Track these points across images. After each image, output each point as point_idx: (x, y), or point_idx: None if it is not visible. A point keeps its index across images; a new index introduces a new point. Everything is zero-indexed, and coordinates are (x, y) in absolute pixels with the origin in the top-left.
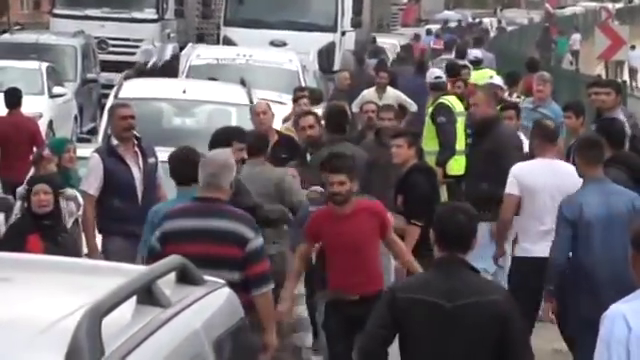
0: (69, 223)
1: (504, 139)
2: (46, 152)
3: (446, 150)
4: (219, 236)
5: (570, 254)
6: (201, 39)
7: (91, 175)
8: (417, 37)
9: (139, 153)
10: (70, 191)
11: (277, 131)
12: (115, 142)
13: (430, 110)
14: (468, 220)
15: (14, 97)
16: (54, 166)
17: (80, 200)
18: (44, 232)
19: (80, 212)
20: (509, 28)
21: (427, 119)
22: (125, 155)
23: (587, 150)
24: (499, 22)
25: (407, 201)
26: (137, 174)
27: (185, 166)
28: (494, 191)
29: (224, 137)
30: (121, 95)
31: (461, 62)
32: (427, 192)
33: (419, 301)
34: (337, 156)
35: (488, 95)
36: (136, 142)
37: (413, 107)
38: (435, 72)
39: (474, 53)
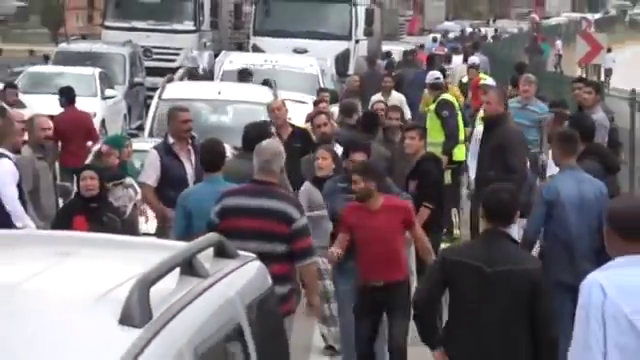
0: (129, 207)
1: (511, 134)
2: (105, 147)
3: (451, 140)
4: (269, 214)
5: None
6: (233, 47)
7: (150, 168)
8: (422, 47)
9: (192, 151)
10: (129, 180)
11: (291, 124)
12: (171, 140)
13: (433, 107)
14: (510, 198)
15: (69, 95)
16: (115, 159)
17: (137, 187)
18: (90, 213)
19: (138, 197)
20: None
21: (431, 115)
22: (180, 153)
23: (564, 143)
24: (495, 31)
25: (420, 186)
26: (189, 169)
27: (212, 155)
28: (500, 178)
29: (256, 131)
30: (164, 97)
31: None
32: (438, 178)
33: (464, 264)
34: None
35: (499, 95)
36: (190, 141)
37: (407, 114)
38: (435, 74)
39: (472, 59)
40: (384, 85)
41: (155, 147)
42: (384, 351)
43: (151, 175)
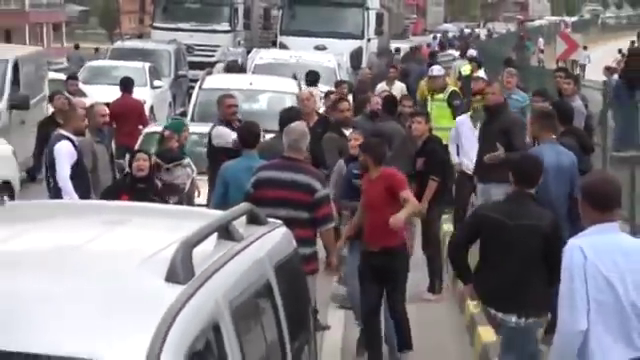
0: (187, 184)
1: (513, 119)
2: (167, 132)
3: None
4: (296, 186)
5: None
6: (263, 45)
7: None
8: (428, 45)
9: None
10: (186, 160)
11: (317, 112)
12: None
13: (444, 96)
14: (535, 164)
15: (127, 84)
16: (175, 142)
17: (193, 166)
18: (136, 193)
19: (194, 174)
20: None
21: (439, 103)
22: None
23: (543, 119)
24: (488, 31)
25: (427, 163)
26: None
27: (248, 135)
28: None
29: (288, 115)
30: (204, 87)
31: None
32: (443, 156)
33: (492, 218)
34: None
35: (500, 86)
36: (238, 124)
37: None
38: (435, 68)
39: (470, 52)
40: (389, 76)
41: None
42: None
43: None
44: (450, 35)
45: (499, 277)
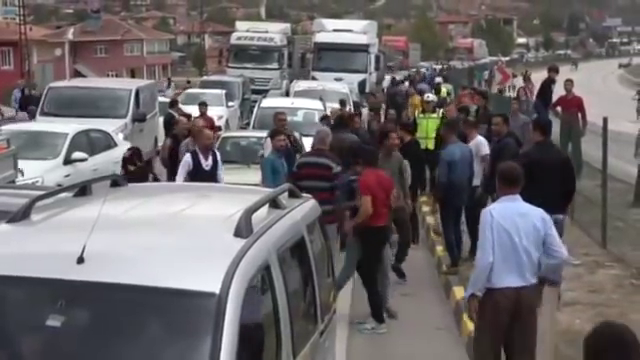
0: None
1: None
2: None
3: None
4: (321, 165)
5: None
6: (300, 77)
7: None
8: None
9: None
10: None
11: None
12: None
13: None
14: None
15: (203, 106)
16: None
17: None
18: None
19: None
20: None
21: (433, 120)
22: None
23: (450, 127)
24: (450, 67)
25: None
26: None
27: (273, 133)
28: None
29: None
30: (261, 106)
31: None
32: (419, 155)
33: (529, 158)
34: None
35: (503, 120)
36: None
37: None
38: (430, 96)
39: (437, 80)
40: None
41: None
42: (384, 283)
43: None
44: (423, 70)
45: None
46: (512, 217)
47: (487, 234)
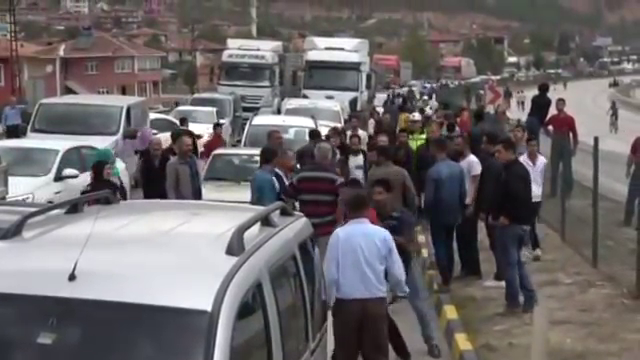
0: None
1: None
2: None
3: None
4: (324, 179)
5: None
6: (291, 95)
7: None
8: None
9: None
10: None
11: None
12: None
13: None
14: None
15: (219, 127)
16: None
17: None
18: None
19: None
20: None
21: (421, 140)
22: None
23: (438, 144)
24: (445, 84)
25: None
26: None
27: (266, 153)
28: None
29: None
30: (253, 123)
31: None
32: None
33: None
34: None
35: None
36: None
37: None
38: (415, 115)
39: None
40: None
41: None
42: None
43: None
44: (414, 88)
45: None
46: (357, 237)
47: (333, 253)
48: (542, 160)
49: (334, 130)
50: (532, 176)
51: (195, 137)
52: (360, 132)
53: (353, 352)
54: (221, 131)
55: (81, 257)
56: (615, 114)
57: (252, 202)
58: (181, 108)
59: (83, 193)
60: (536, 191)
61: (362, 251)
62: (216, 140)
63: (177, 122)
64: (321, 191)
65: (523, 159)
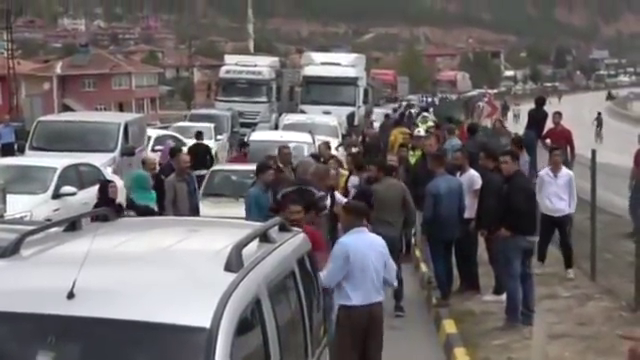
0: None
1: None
2: None
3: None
4: (304, 192)
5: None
6: (289, 111)
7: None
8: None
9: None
10: None
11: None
12: (281, 165)
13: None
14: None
15: (199, 135)
16: None
17: None
18: None
19: None
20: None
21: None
22: (285, 169)
23: (436, 159)
24: (445, 97)
25: None
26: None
27: (262, 167)
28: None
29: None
30: (250, 139)
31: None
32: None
33: None
34: None
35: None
36: (291, 165)
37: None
38: (420, 131)
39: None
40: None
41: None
42: None
43: None
44: (412, 102)
45: None
46: (366, 246)
47: (339, 263)
48: (566, 172)
49: (325, 145)
50: (552, 189)
51: (211, 151)
52: (355, 150)
53: (357, 358)
54: (247, 150)
55: (79, 275)
56: (600, 124)
57: (246, 218)
58: (179, 124)
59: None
60: (557, 205)
61: (371, 259)
62: (241, 159)
63: (181, 138)
64: (304, 200)
65: (545, 171)
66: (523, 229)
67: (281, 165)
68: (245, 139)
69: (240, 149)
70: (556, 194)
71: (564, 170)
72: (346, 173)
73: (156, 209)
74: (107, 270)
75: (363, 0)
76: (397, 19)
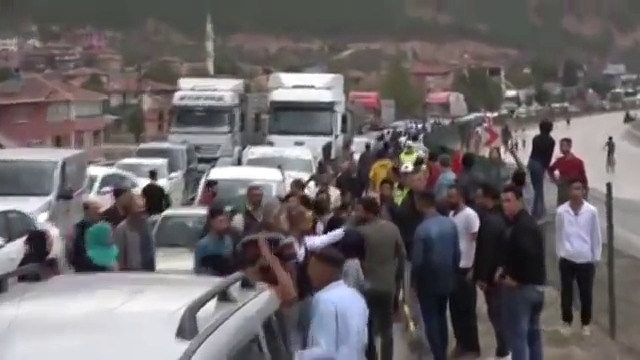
0: None
1: None
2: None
3: None
4: (269, 239)
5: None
6: (255, 142)
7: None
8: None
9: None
10: None
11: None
12: (250, 207)
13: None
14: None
15: (153, 175)
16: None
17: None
18: None
19: None
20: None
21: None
22: (254, 213)
23: (424, 198)
24: (438, 123)
25: None
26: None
27: (213, 212)
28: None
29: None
30: (210, 177)
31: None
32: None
33: None
34: None
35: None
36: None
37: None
38: (408, 167)
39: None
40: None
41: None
42: None
43: None
44: (398, 130)
45: None
46: (350, 304)
47: (332, 326)
48: (589, 209)
49: (297, 184)
50: (573, 229)
51: (166, 195)
52: (332, 189)
53: None
54: (216, 190)
55: (3, 348)
56: (611, 150)
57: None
58: (126, 161)
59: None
60: (579, 247)
61: (355, 320)
62: (209, 200)
63: (130, 177)
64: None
65: (564, 208)
66: (532, 277)
67: (250, 208)
68: (203, 177)
69: (208, 188)
70: (578, 235)
71: (586, 206)
72: (310, 215)
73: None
74: (37, 341)
75: (340, 11)
76: (380, 32)
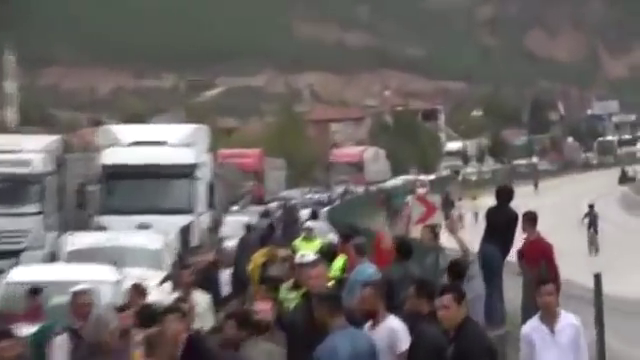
0: None
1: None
2: None
3: None
4: None
5: None
6: (78, 227)
7: None
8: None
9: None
10: None
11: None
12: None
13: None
14: None
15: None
16: None
17: None
18: None
19: None
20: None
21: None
22: (82, 330)
23: (328, 302)
24: (347, 191)
25: None
26: None
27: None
28: None
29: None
30: (10, 280)
31: None
32: None
33: None
34: None
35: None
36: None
37: None
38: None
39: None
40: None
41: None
42: None
43: None
44: (293, 202)
45: None
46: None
47: None
48: (569, 321)
49: (137, 290)
50: (552, 353)
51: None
52: (198, 295)
53: None
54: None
55: None
56: (593, 224)
57: None
58: None
59: None
60: None
61: None
62: (35, 314)
63: None
64: None
65: (532, 325)
66: None
67: (79, 323)
68: (6, 278)
69: (32, 297)
70: (557, 356)
71: (564, 317)
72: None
73: None
74: None
75: (204, 33)
76: (262, 61)
